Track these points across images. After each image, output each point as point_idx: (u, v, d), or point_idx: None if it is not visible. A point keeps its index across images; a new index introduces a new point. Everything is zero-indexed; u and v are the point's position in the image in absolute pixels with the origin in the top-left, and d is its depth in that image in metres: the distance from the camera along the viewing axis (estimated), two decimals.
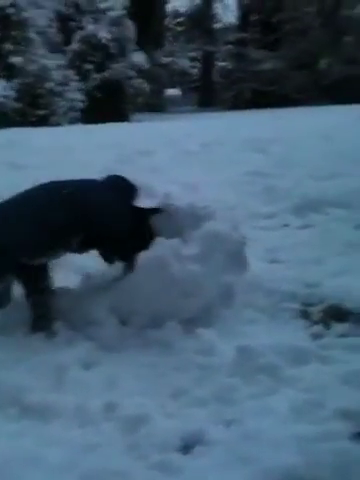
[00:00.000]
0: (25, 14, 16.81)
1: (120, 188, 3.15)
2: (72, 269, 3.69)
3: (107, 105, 17.95)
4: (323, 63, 23.10)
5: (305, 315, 3.08)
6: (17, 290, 3.11)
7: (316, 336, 2.86)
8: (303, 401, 2.23)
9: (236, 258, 3.22)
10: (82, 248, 3.10)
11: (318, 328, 2.93)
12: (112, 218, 3.04)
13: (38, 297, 2.97)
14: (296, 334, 2.87)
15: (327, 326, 2.96)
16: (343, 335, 2.85)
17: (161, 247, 3.01)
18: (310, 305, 3.17)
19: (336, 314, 3.07)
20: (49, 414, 2.29)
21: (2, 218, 2.97)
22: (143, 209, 3.23)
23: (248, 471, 1.89)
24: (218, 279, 3.04)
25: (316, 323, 2.99)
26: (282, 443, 1.98)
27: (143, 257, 3.01)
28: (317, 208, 5.09)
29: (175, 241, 3.07)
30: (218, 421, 2.19)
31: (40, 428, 2.22)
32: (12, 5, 16.51)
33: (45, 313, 2.96)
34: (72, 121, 17.22)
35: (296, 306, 3.15)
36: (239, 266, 3.23)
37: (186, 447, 2.07)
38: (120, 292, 3.02)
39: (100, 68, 18.64)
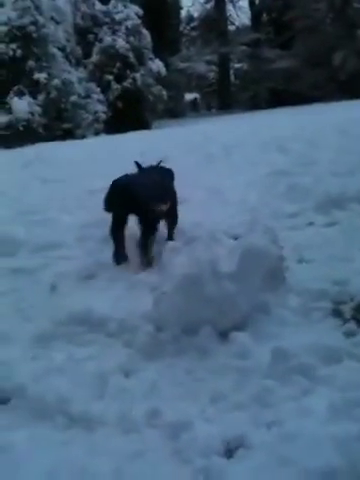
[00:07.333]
0: (45, 30, 17.06)
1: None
2: (112, 278, 3.83)
3: (128, 114, 18.11)
4: (337, 58, 22.67)
5: (337, 313, 3.09)
6: None
7: (348, 334, 2.87)
8: (339, 400, 2.25)
9: (274, 274, 3.20)
10: None
11: (350, 326, 2.94)
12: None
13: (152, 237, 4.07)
14: (329, 333, 2.88)
15: (359, 323, 2.96)
16: None
17: (198, 264, 3.00)
18: (341, 303, 3.17)
19: None
20: (94, 423, 2.36)
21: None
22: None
23: (289, 472, 1.93)
24: (254, 297, 3.03)
25: (348, 321, 3.00)
26: (321, 443, 2.01)
27: (179, 273, 3.02)
28: (340, 205, 5.06)
29: (213, 257, 3.05)
30: (258, 424, 2.23)
31: (86, 437, 2.29)
32: (32, 23, 16.78)
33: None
34: (96, 132, 17.41)
35: (327, 305, 3.15)
36: (276, 282, 3.23)
37: (228, 451, 2.12)
38: (155, 302, 3.08)
39: (120, 78, 18.82)
